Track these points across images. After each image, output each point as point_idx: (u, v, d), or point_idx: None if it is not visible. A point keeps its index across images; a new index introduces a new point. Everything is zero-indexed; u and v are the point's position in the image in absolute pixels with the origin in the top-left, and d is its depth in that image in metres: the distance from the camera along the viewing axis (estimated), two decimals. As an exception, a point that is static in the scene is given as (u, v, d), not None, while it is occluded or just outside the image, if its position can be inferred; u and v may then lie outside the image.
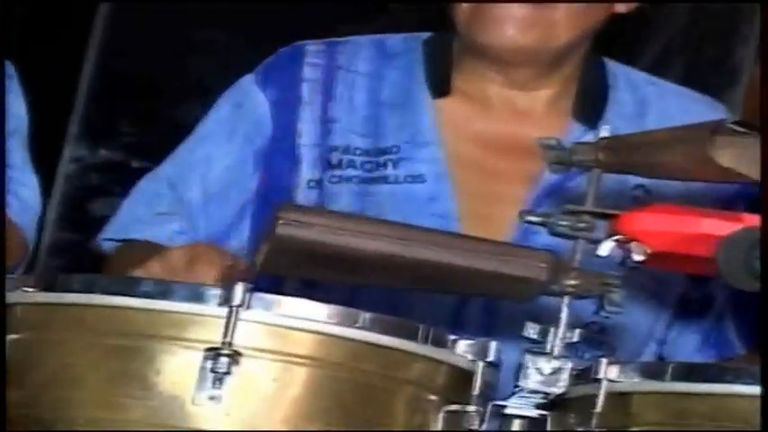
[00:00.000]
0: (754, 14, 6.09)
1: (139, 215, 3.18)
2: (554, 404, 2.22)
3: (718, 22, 5.37)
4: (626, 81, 3.26)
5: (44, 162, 3.35)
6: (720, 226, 2.20)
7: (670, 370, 2.31)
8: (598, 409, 2.22)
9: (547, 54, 3.17)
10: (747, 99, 3.12)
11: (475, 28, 3.10)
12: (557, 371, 2.21)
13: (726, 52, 4.79)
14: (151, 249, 3.00)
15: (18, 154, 3.26)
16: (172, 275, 2.70)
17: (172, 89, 3.40)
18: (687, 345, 3.15)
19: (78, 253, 3.18)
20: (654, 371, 2.29)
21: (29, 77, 3.36)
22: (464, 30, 3.13)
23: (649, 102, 3.21)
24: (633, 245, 2.24)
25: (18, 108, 3.32)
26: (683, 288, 3.06)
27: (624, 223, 2.25)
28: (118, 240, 3.18)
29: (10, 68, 3.32)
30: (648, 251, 2.24)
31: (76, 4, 5.87)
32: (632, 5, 3.20)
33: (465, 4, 3.10)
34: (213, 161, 3.18)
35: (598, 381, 2.22)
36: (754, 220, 2.20)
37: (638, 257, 2.24)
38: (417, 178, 3.12)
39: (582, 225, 2.26)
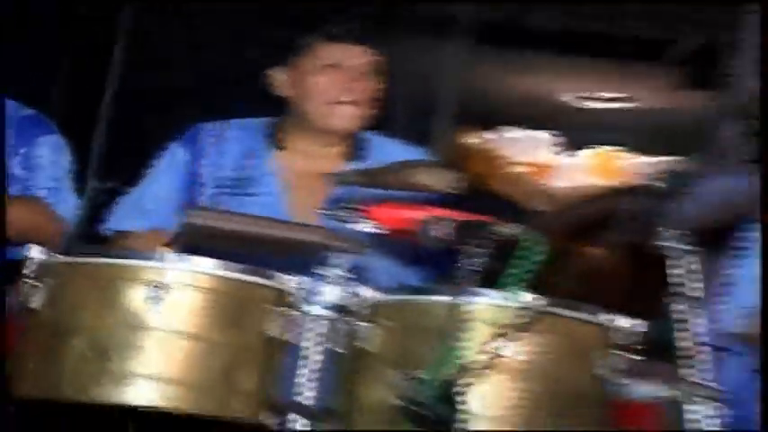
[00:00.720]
0: (448, 96, 6.22)
1: (122, 217, 3.18)
2: (339, 309, 2.28)
3: (419, 103, 5.40)
4: (374, 140, 3.23)
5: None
6: (420, 214, 2.26)
7: (402, 289, 2.48)
8: (364, 312, 2.31)
9: (351, 131, 3.17)
10: (443, 150, 3.20)
11: (325, 119, 3.09)
12: (338, 292, 2.27)
13: (425, 122, 4.76)
14: (129, 235, 3.06)
15: (67, 185, 3.34)
16: (140, 247, 2.82)
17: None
18: (407, 276, 3.08)
19: (92, 238, 3.24)
20: (393, 290, 2.40)
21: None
22: (317, 117, 3.12)
23: (388, 151, 3.14)
24: (374, 224, 2.33)
25: (67, 163, 3.39)
26: (408, 247, 2.89)
27: (371, 213, 2.34)
28: (113, 230, 3.18)
29: (62, 140, 3.39)
30: (383, 227, 2.33)
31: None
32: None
33: (323, 105, 3.10)
34: (160, 188, 3.18)
35: (362, 296, 2.31)
36: (438, 211, 2.25)
37: (377, 231, 2.33)
38: (266, 193, 3.12)
39: (348, 215, 2.35)
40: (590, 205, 2.54)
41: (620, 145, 5.87)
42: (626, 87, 6.31)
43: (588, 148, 5.96)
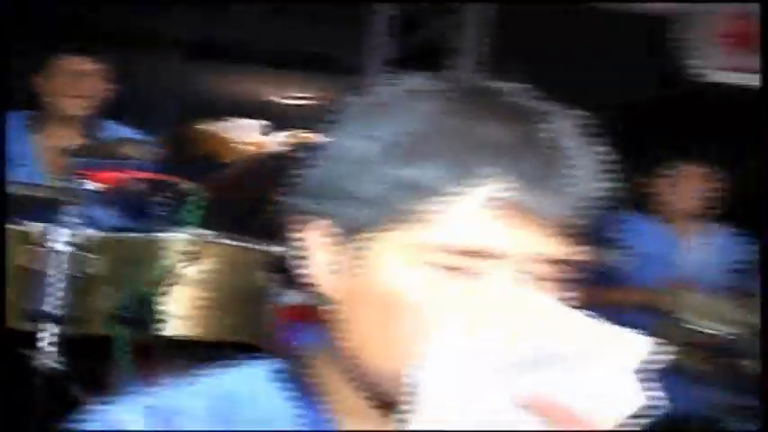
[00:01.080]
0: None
1: None
2: (73, 245, 2.22)
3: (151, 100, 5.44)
4: (106, 125, 3.04)
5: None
6: (128, 176, 2.29)
7: (117, 229, 2.36)
8: (91, 246, 2.23)
9: (85, 118, 3.04)
10: (174, 135, 3.23)
11: (65, 109, 3.01)
12: (72, 232, 2.22)
13: (156, 116, 4.74)
14: None
15: None
16: None
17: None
18: (120, 219, 2.52)
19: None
20: (111, 229, 2.33)
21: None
22: (60, 108, 3.00)
23: (115, 133, 2.95)
24: (97, 183, 2.30)
25: None
26: (121, 199, 2.45)
27: (94, 176, 2.31)
28: None
29: None
30: (103, 185, 2.30)
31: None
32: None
33: (64, 99, 2.98)
34: None
35: (89, 235, 2.24)
36: (140, 174, 2.30)
37: (99, 188, 2.30)
38: (27, 164, 2.90)
39: (79, 177, 2.31)
40: (239, 166, 2.63)
41: (305, 129, 6.23)
42: (308, 89, 6.87)
43: (285, 131, 6.30)
